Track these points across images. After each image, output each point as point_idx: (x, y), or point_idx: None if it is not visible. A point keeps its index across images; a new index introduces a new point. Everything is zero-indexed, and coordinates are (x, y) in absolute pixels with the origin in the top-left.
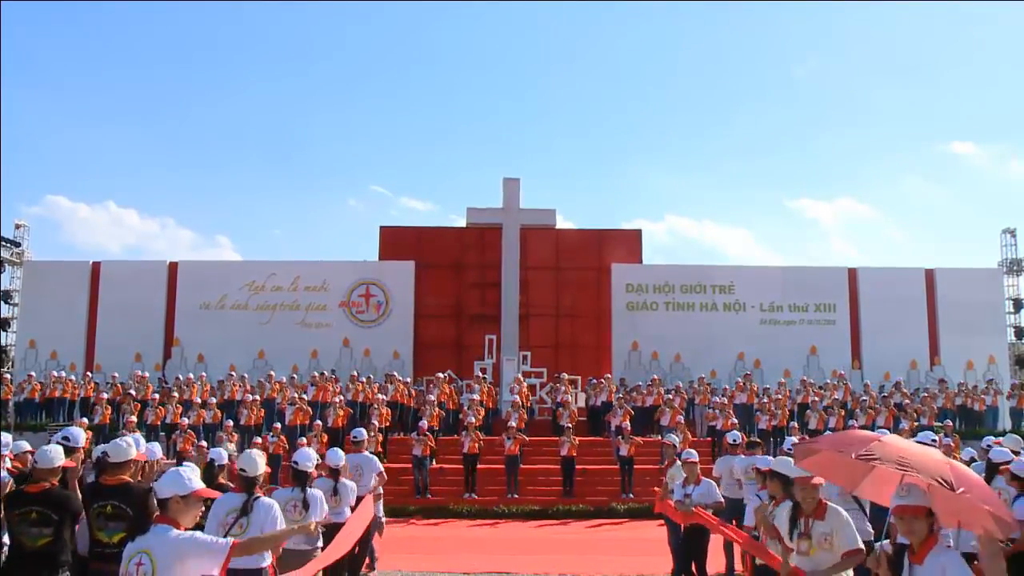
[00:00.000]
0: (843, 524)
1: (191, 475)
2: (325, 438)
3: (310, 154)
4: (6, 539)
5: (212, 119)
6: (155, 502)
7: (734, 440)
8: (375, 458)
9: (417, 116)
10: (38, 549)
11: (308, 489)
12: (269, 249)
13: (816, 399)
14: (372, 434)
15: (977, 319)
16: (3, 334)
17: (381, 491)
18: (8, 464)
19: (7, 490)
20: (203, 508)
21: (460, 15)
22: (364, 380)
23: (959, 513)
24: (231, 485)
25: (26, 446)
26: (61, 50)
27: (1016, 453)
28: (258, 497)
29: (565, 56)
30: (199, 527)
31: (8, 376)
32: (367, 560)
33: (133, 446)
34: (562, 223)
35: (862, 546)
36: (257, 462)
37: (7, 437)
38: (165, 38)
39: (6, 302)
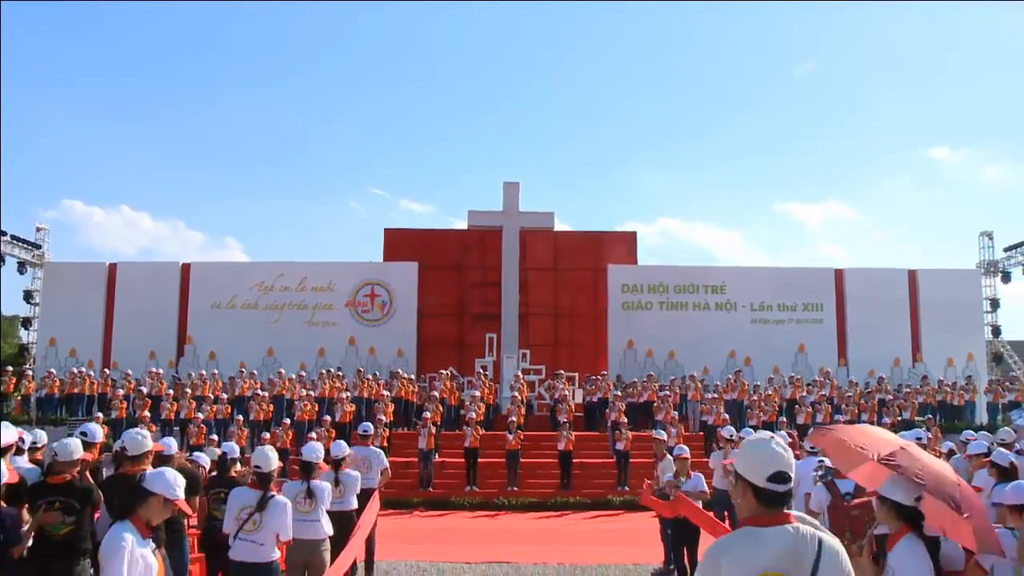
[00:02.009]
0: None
1: (180, 483)
2: (332, 433)
3: (313, 158)
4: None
5: (220, 125)
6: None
7: (729, 435)
8: (381, 452)
9: (417, 121)
10: (61, 537)
11: (312, 481)
12: (275, 250)
13: (804, 395)
14: (378, 429)
15: (957, 318)
16: (26, 332)
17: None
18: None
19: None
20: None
21: (459, 25)
22: (370, 377)
23: (947, 525)
24: (246, 480)
25: (44, 438)
26: (77, 60)
27: (1007, 444)
28: (273, 495)
29: (561, 63)
30: (217, 520)
31: (30, 372)
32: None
33: (149, 439)
34: (559, 225)
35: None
36: (270, 458)
37: (41, 434)
38: (175, 48)
39: (28, 302)
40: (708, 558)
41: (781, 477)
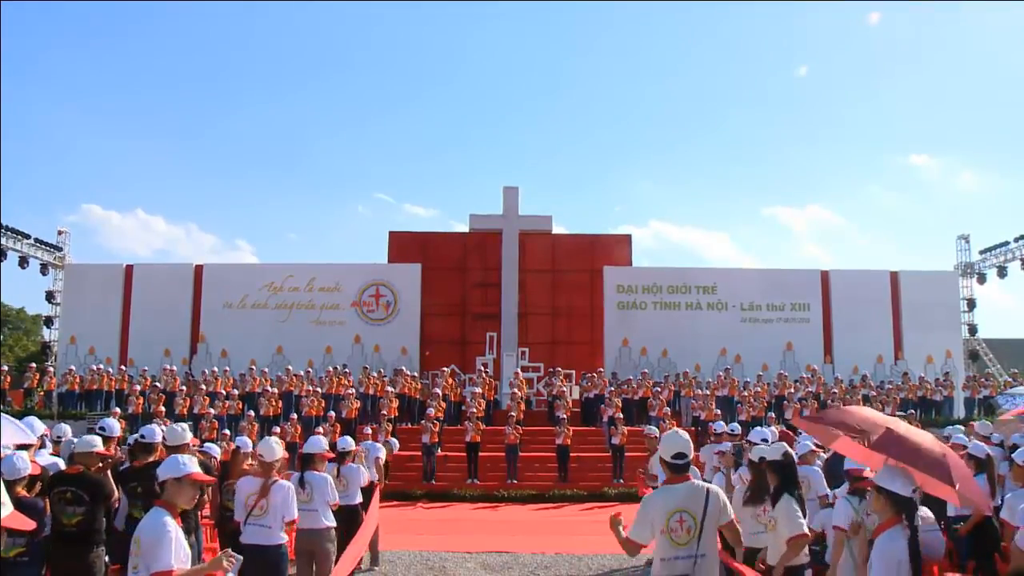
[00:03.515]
0: (789, 511)
1: (187, 461)
2: (338, 428)
3: (321, 164)
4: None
5: (230, 132)
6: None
7: (719, 430)
8: (380, 446)
9: (420, 129)
10: (73, 526)
11: (307, 472)
12: (284, 252)
13: (792, 391)
14: (383, 424)
15: (936, 317)
16: (48, 331)
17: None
18: (50, 448)
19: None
20: (200, 492)
21: (462, 40)
22: (375, 374)
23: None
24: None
25: (68, 433)
26: (94, 71)
27: (986, 438)
28: (275, 480)
29: (559, 75)
30: (228, 511)
31: (52, 369)
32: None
33: (187, 430)
34: (557, 228)
35: (807, 531)
36: (274, 448)
37: (65, 427)
38: (188, 59)
39: (50, 302)
40: (642, 505)
41: (680, 455)
